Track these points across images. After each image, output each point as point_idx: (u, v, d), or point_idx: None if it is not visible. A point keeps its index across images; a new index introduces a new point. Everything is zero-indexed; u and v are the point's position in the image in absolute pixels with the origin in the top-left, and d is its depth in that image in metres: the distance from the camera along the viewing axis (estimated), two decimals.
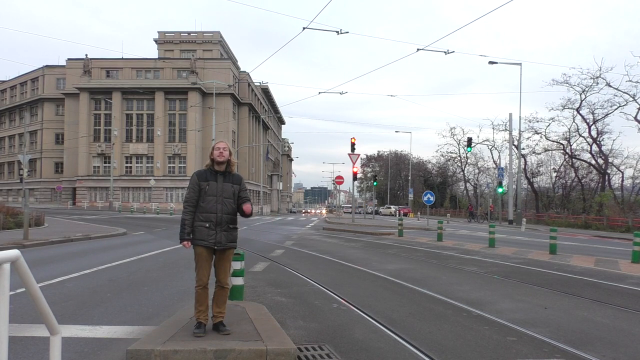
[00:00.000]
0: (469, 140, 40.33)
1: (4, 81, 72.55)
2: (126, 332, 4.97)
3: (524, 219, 34.02)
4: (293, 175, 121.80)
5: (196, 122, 56.93)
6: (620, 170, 43.38)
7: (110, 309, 6.06)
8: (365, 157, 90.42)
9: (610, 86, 38.65)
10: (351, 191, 58.86)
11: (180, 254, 12.60)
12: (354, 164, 29.81)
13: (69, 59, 61.11)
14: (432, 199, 26.21)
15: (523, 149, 44.63)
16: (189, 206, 4.41)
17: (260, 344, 4.13)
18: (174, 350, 3.93)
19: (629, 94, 37.90)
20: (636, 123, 37.54)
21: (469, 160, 65.09)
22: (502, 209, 44.03)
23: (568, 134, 44.73)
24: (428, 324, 5.47)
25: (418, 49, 16.10)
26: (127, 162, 59.12)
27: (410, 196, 51.40)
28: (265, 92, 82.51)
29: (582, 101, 41.49)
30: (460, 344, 4.67)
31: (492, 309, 6.26)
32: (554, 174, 50.09)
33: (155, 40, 70.64)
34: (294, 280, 8.43)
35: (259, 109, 75.74)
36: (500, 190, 42.16)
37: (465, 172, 67.24)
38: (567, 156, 46.38)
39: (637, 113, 37.39)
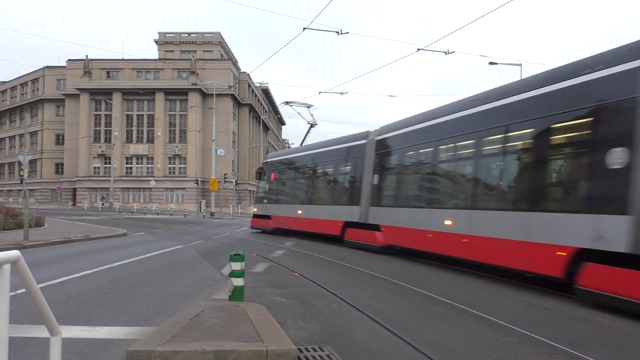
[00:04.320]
0: None
1: (4, 82, 72.60)
2: (126, 333, 4.97)
3: None
4: None
5: (196, 123, 56.95)
6: None
7: (110, 310, 6.06)
8: None
9: None
10: None
11: (180, 254, 12.60)
12: None
13: (69, 60, 61.15)
14: None
15: None
16: None
17: (260, 344, 4.13)
18: (174, 350, 3.94)
19: None
20: None
21: None
22: None
23: None
24: (428, 324, 5.47)
25: (418, 49, 16.07)
26: (127, 163, 59.13)
27: None
28: (266, 92, 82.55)
29: None
30: (460, 345, 4.67)
31: (492, 309, 6.26)
32: None
33: (156, 41, 70.67)
34: (294, 281, 8.43)
35: (259, 109, 75.77)
36: None
37: None
38: None
39: None
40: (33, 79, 66.71)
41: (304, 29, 15.57)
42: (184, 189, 57.81)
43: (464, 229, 9.62)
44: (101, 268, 9.64)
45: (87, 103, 58.58)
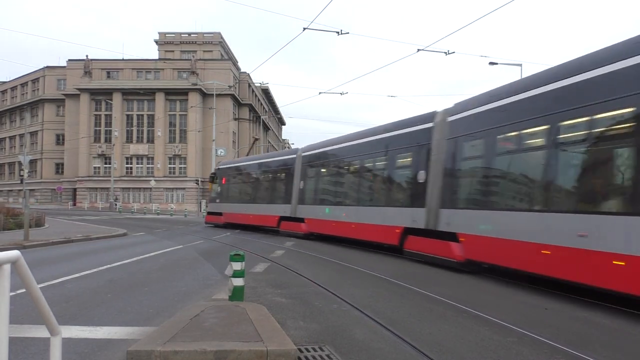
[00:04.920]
0: None
1: (4, 82, 72.59)
2: (126, 333, 4.97)
3: None
4: None
5: (196, 123, 56.93)
6: None
7: (110, 310, 6.06)
8: None
9: None
10: None
11: (180, 254, 12.60)
12: None
13: (69, 60, 61.14)
14: None
15: None
16: None
17: (260, 344, 4.13)
18: (174, 350, 3.94)
19: None
20: None
21: None
22: None
23: None
24: (428, 324, 5.47)
25: (418, 49, 16.09)
26: (127, 163, 59.11)
27: None
28: (266, 92, 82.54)
29: None
30: (460, 345, 4.67)
31: (492, 309, 6.26)
32: None
33: (156, 41, 70.65)
34: (294, 281, 8.43)
35: (259, 109, 75.76)
36: None
37: None
38: None
39: None
40: (33, 79, 66.69)
41: (304, 29, 15.60)
42: (184, 189, 57.80)
43: (353, 218, 14.54)
44: (101, 268, 9.64)
45: (87, 103, 58.57)
